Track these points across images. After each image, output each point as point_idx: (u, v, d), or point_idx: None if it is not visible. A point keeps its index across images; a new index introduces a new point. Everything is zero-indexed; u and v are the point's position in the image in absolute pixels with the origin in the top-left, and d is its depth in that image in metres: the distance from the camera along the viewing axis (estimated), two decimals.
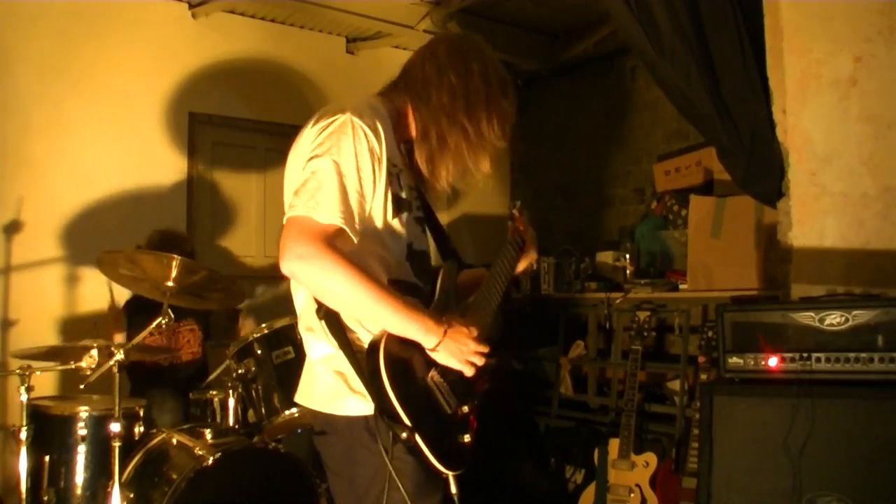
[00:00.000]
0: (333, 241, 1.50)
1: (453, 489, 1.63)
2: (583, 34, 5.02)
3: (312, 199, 1.50)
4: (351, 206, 1.53)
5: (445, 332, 1.58)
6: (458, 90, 1.67)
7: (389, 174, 1.63)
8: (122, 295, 3.61)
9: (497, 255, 1.87)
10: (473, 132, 1.67)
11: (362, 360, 1.57)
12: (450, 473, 1.60)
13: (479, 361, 1.62)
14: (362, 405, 1.58)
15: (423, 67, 1.71)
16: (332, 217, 1.50)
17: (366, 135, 1.56)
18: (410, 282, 1.69)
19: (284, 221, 1.53)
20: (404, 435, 1.50)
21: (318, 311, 1.60)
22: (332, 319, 1.58)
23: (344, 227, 1.51)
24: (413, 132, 1.71)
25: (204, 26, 4.47)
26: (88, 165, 4.07)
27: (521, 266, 1.92)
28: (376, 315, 1.54)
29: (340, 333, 1.58)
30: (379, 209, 1.62)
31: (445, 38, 1.79)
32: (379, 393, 1.52)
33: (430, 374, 1.61)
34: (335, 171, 1.52)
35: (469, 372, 1.62)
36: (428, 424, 1.54)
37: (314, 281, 1.51)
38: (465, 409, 1.67)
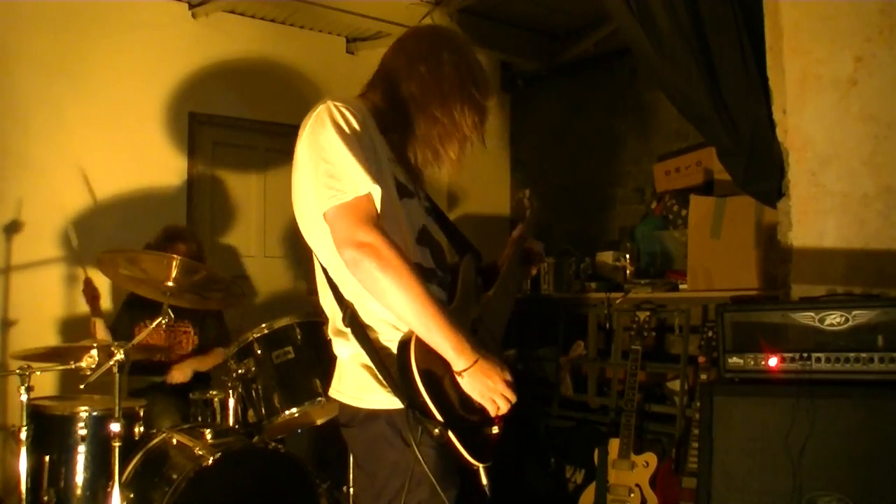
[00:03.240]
0: (380, 223, 1.51)
1: (484, 480, 1.59)
2: (583, 34, 5.03)
3: (340, 182, 1.50)
4: (371, 166, 1.53)
5: (476, 361, 1.55)
6: (429, 81, 1.68)
7: (387, 159, 1.64)
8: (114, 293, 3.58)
9: (508, 264, 1.92)
10: (447, 121, 1.68)
11: (386, 359, 1.57)
12: (480, 465, 1.59)
13: (503, 405, 1.59)
14: (387, 399, 1.59)
15: (392, 61, 1.73)
16: (365, 184, 1.51)
17: (350, 111, 1.58)
18: (427, 267, 1.68)
19: (326, 213, 1.52)
20: (437, 431, 1.48)
21: (343, 320, 1.61)
22: (356, 325, 1.60)
23: (377, 185, 1.51)
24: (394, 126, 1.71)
25: (204, 26, 4.47)
26: (88, 165, 4.07)
27: (532, 272, 2.05)
28: (417, 321, 1.51)
29: (364, 337, 1.59)
30: (387, 187, 1.61)
31: (416, 30, 1.80)
32: (410, 390, 1.50)
33: None
34: (339, 147, 1.53)
35: (490, 409, 1.59)
36: (458, 419, 1.54)
37: (371, 271, 1.48)
38: None
